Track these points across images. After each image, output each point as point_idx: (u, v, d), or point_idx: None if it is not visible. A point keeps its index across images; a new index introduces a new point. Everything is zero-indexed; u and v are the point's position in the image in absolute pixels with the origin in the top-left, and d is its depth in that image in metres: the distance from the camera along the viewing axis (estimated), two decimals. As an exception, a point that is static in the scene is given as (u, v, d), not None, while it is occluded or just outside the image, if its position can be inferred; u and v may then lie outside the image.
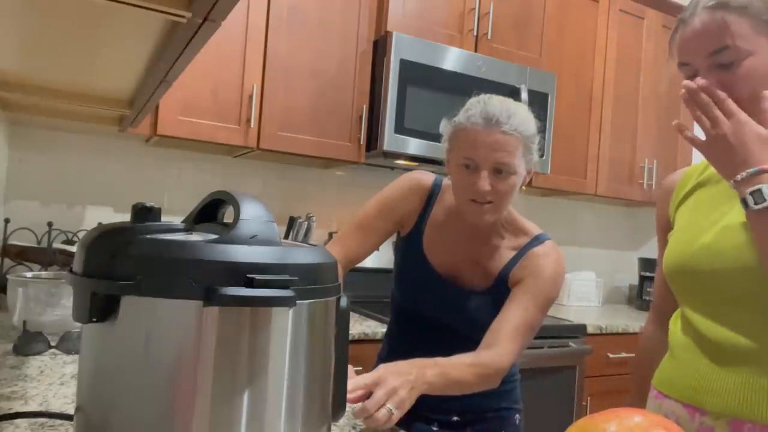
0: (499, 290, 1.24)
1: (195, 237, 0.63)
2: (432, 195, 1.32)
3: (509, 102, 1.17)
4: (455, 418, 1.32)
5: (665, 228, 1.15)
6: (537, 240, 1.27)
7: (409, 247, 1.32)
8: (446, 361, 1.10)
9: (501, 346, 1.15)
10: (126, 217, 2.21)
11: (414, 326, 1.34)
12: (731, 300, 0.95)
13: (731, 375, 0.94)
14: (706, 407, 0.96)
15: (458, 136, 1.18)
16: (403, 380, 0.99)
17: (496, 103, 1.16)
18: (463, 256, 1.28)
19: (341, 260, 1.28)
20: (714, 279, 0.96)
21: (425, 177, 1.33)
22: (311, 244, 0.76)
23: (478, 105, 1.16)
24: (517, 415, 1.36)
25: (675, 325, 1.08)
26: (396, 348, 1.39)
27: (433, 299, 1.26)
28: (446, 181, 1.33)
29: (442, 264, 1.29)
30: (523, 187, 1.24)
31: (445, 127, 1.23)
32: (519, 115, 1.15)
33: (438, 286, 1.27)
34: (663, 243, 1.16)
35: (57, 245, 1.92)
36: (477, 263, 1.28)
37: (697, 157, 3.26)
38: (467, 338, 1.22)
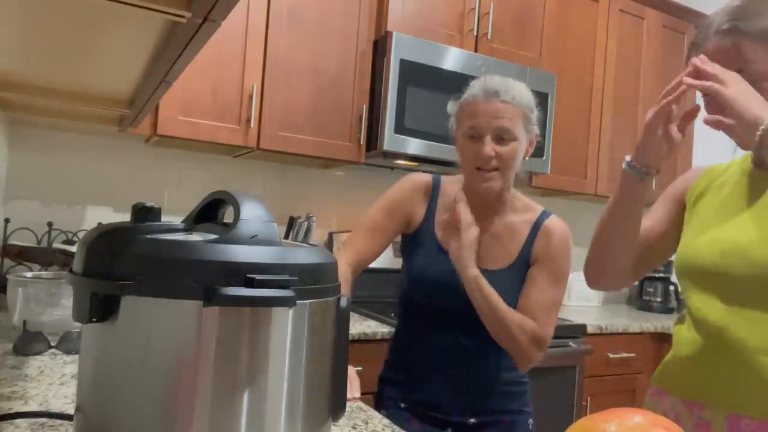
0: (521, 268, 1.30)
1: (195, 237, 0.63)
2: (434, 189, 1.37)
3: (508, 78, 1.29)
4: (471, 420, 1.32)
5: (677, 198, 1.15)
6: (545, 214, 1.35)
7: (422, 239, 1.35)
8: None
9: (539, 320, 1.26)
10: (126, 217, 2.21)
11: (430, 322, 1.34)
12: (739, 296, 0.96)
13: (731, 369, 0.95)
14: (705, 402, 0.97)
15: (462, 110, 1.29)
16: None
17: (496, 78, 1.28)
18: (479, 236, 1.30)
19: (353, 263, 1.32)
20: (723, 275, 0.97)
21: (423, 175, 1.39)
22: (311, 244, 0.76)
23: (479, 82, 1.28)
24: (530, 420, 1.38)
25: (680, 324, 1.09)
26: (407, 347, 1.38)
27: (458, 284, 1.25)
28: (444, 177, 1.40)
29: None
30: (526, 158, 1.32)
31: (452, 107, 1.34)
32: (516, 87, 1.27)
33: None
34: (667, 203, 1.17)
35: (57, 245, 1.92)
36: (494, 239, 1.32)
37: (698, 158, 3.27)
38: (483, 326, 1.25)
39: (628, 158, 1.03)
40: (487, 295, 1.21)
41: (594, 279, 1.17)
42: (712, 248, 1.00)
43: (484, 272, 1.26)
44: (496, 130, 1.24)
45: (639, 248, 1.13)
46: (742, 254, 0.95)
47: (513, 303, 1.28)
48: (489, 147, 1.24)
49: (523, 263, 1.31)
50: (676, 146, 0.98)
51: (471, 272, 1.21)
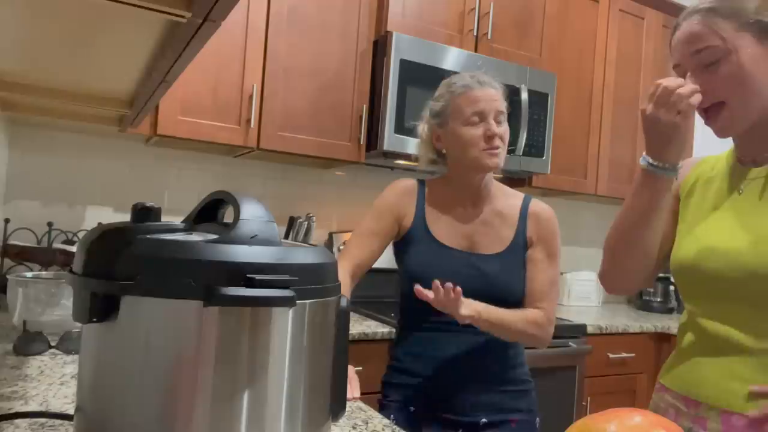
0: (518, 250, 1.37)
1: (195, 237, 0.63)
2: (420, 189, 1.43)
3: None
4: (483, 420, 1.32)
5: (673, 193, 1.14)
6: (528, 198, 1.44)
7: (416, 237, 1.38)
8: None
9: (540, 306, 1.34)
10: (126, 217, 2.21)
11: (433, 320, 1.34)
12: (731, 297, 0.98)
13: (724, 368, 0.97)
14: (701, 399, 1.00)
15: (458, 101, 1.36)
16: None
17: (473, 72, 1.39)
18: (471, 224, 1.38)
19: (351, 269, 1.36)
20: (717, 278, 0.99)
21: (407, 180, 1.47)
22: (311, 244, 0.76)
23: (460, 77, 1.39)
24: (537, 419, 1.41)
25: (683, 321, 1.11)
26: (412, 348, 1.38)
27: (458, 273, 1.32)
28: (428, 177, 1.48)
29: (454, 239, 1.37)
30: None
31: (435, 105, 1.40)
32: (493, 80, 1.39)
33: (458, 258, 1.35)
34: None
35: (57, 245, 1.92)
36: (486, 226, 1.38)
37: (697, 152, 3.28)
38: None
39: (655, 162, 1.01)
40: (489, 318, 1.26)
41: (613, 286, 1.15)
42: (698, 249, 1.02)
43: (481, 257, 1.34)
44: (496, 113, 1.35)
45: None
46: (726, 257, 0.97)
47: (514, 283, 1.35)
48: (495, 126, 1.34)
49: (520, 246, 1.38)
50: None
51: (467, 313, 1.22)
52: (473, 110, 1.34)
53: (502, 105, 1.37)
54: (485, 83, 1.36)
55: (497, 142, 1.34)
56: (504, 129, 1.36)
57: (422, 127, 1.45)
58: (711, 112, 0.98)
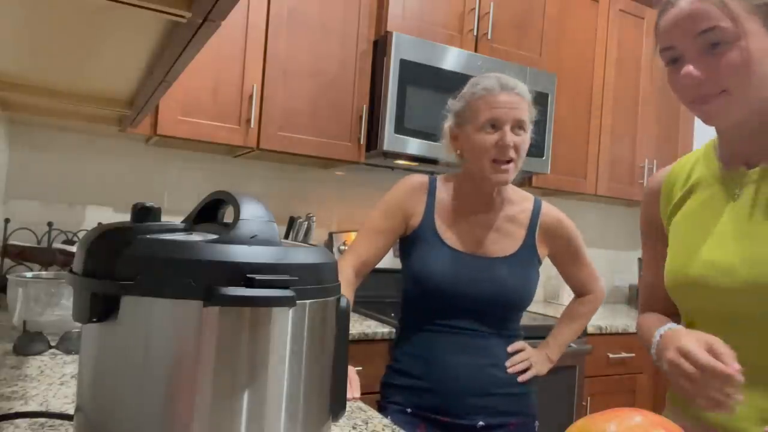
0: (528, 252, 1.37)
1: (195, 237, 0.63)
2: (431, 187, 1.39)
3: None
4: (480, 423, 1.31)
5: (657, 229, 1.09)
6: (538, 201, 1.43)
7: (423, 236, 1.36)
8: (559, 332, 1.51)
9: (591, 278, 1.49)
10: (126, 217, 2.21)
11: (435, 322, 1.34)
12: (738, 316, 0.91)
13: (744, 395, 0.88)
14: (717, 426, 0.94)
15: (476, 104, 1.30)
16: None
17: (500, 75, 1.33)
18: (482, 228, 1.36)
19: (355, 267, 1.34)
20: (721, 295, 0.92)
21: (419, 176, 1.42)
22: (311, 244, 0.76)
23: (486, 78, 1.32)
24: (536, 422, 1.40)
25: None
26: (412, 350, 1.37)
27: (465, 277, 1.31)
28: (439, 176, 1.43)
29: (463, 242, 1.35)
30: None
31: (454, 104, 1.37)
32: (521, 84, 1.33)
33: (466, 262, 1.33)
34: (652, 245, 1.11)
35: (57, 245, 1.92)
36: (498, 231, 1.37)
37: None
38: (491, 317, 1.33)
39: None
40: (560, 352, 1.49)
41: None
42: (698, 264, 0.95)
43: (491, 260, 1.33)
44: (515, 121, 1.28)
45: (669, 302, 1.07)
46: (733, 272, 0.90)
47: (525, 286, 1.34)
48: (510, 137, 1.28)
49: (530, 250, 1.38)
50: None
51: (548, 354, 1.46)
52: (489, 116, 1.28)
53: (525, 114, 1.30)
54: (509, 88, 1.29)
55: (510, 153, 1.28)
56: (521, 139, 1.29)
57: (444, 125, 1.41)
58: (708, 97, 0.89)
